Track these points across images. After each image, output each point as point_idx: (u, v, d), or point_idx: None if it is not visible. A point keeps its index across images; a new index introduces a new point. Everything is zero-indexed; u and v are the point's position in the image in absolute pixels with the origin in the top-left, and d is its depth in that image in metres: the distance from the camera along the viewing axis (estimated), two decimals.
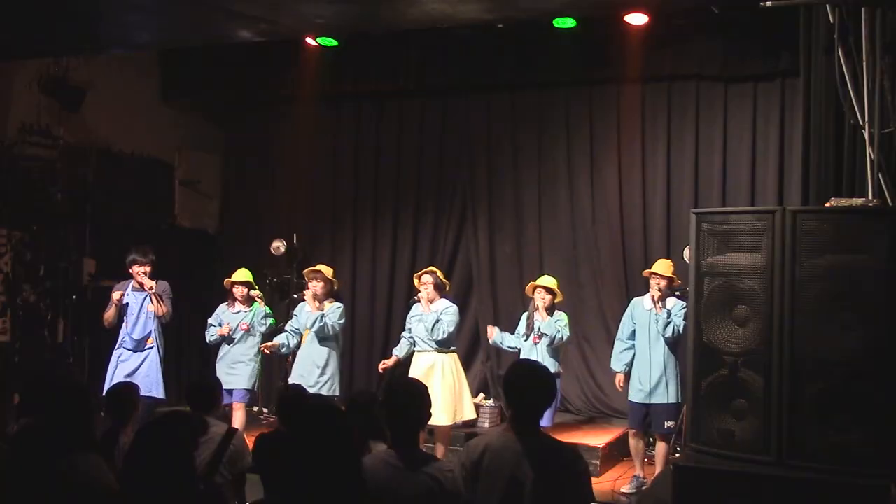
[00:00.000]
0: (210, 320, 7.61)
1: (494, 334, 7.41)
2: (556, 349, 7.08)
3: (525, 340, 7.13)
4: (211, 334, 7.55)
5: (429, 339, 7.13)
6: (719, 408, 4.50)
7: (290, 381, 7.33)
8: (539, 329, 7.02)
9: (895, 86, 5.29)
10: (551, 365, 6.86)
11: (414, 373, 7.09)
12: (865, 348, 4.13)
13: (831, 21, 5.58)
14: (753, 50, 7.72)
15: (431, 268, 7.47)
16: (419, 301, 7.24)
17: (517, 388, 3.65)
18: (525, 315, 7.28)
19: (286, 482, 2.60)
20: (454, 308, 7.27)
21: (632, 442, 6.93)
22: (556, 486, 3.53)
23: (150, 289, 7.09)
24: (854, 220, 4.30)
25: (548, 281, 7.22)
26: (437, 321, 7.07)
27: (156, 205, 9.59)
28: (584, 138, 8.89)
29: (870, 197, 5.11)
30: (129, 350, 7.10)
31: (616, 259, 8.65)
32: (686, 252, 6.04)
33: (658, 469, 6.70)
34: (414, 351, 7.30)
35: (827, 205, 4.70)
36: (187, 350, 9.24)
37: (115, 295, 7.14)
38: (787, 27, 6.50)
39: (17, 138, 8.07)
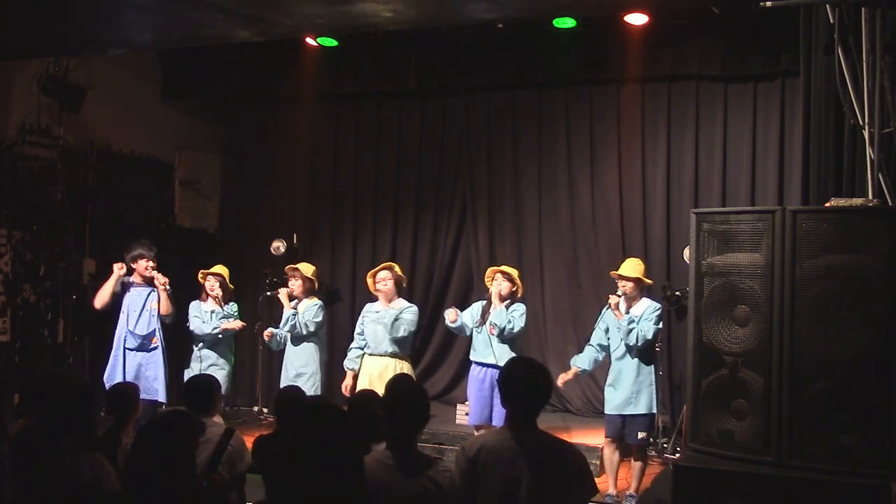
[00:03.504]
0: (192, 317, 7.36)
1: (458, 318, 6.83)
2: (511, 340, 6.62)
3: (479, 329, 6.68)
4: (214, 327, 7.27)
5: (386, 338, 6.75)
6: (719, 408, 4.50)
7: (281, 382, 7.31)
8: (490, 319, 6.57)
9: (895, 86, 5.29)
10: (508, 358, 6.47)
11: (363, 377, 6.84)
12: (865, 348, 4.13)
13: (831, 21, 5.58)
14: (753, 50, 7.73)
15: (389, 263, 7.19)
16: (379, 293, 6.87)
17: (513, 385, 3.63)
18: (482, 302, 6.88)
19: (287, 483, 2.59)
20: (415, 309, 6.96)
21: (606, 452, 6.57)
22: (554, 484, 3.53)
23: (165, 284, 7.02)
24: (854, 220, 4.30)
25: (508, 268, 6.84)
26: (398, 318, 6.70)
27: (156, 205, 9.59)
28: (584, 138, 8.89)
29: (870, 197, 5.10)
30: (132, 349, 7.00)
31: (616, 259, 8.60)
32: (686, 252, 6.04)
33: (633, 485, 6.43)
34: (364, 354, 6.96)
35: (827, 205, 4.70)
36: (187, 350, 9.23)
37: (118, 266, 6.99)
38: (787, 27, 6.50)
39: (17, 138, 8.07)
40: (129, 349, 7.01)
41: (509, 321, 6.56)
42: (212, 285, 7.35)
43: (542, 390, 3.67)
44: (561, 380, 6.62)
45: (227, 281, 7.47)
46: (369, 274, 7.17)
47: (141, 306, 7.06)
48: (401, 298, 6.97)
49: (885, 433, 4.07)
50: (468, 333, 6.95)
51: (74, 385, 4.89)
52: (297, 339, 7.21)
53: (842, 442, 4.14)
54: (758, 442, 4.34)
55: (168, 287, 7.08)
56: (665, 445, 7.69)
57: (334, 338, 9.11)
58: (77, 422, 3.86)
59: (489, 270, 6.91)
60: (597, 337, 6.64)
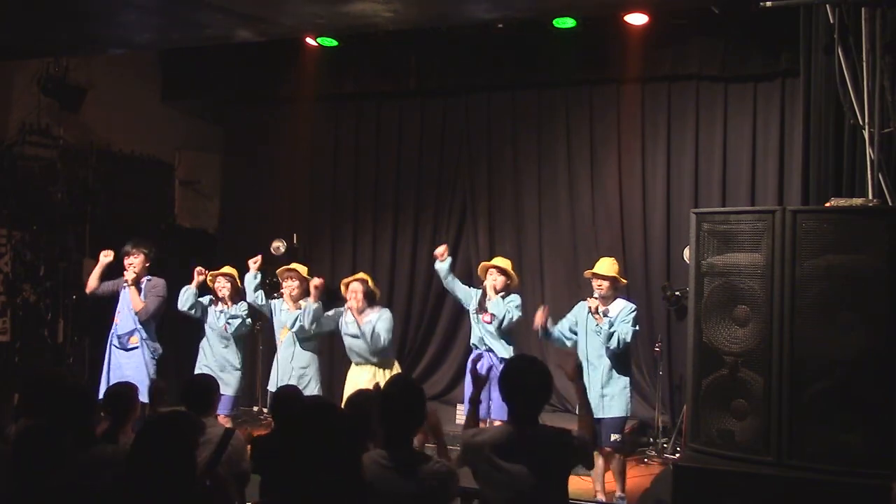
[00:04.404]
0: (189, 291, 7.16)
1: (549, 322, 6.39)
2: (507, 331, 6.59)
3: (476, 315, 6.66)
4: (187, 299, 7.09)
5: (367, 353, 6.74)
6: (719, 408, 4.51)
7: (270, 382, 7.25)
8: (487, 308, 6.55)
9: (895, 86, 5.29)
10: (502, 349, 6.53)
11: (349, 387, 6.73)
12: (865, 348, 4.13)
13: (831, 21, 5.58)
14: (753, 50, 7.73)
15: (362, 274, 7.07)
16: (349, 310, 6.81)
17: (514, 382, 3.67)
18: (480, 291, 6.78)
19: (284, 483, 2.59)
20: (387, 314, 6.88)
21: None
22: (555, 473, 3.60)
23: (126, 281, 6.88)
24: (854, 220, 4.31)
25: (501, 261, 6.75)
26: (374, 331, 6.66)
27: (156, 205, 9.59)
28: (584, 138, 8.89)
29: (870, 197, 5.11)
30: (116, 347, 6.92)
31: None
32: (686, 252, 6.03)
33: (619, 486, 6.24)
34: (351, 363, 6.92)
35: (827, 205, 4.70)
36: (187, 351, 9.22)
37: (103, 254, 6.95)
38: (787, 27, 6.50)
39: (17, 138, 8.08)
40: (114, 346, 6.95)
41: (507, 311, 6.52)
42: (222, 285, 7.24)
43: (544, 387, 3.72)
44: (538, 318, 6.34)
45: (237, 281, 7.39)
46: (342, 282, 7.07)
47: (126, 305, 6.96)
48: (371, 308, 6.86)
49: (885, 433, 4.07)
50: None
51: (74, 385, 4.89)
52: (303, 341, 7.18)
53: (842, 442, 4.14)
54: (758, 442, 4.34)
55: (145, 286, 6.90)
56: (665, 445, 7.69)
57: (335, 338, 9.09)
58: (77, 421, 3.86)
59: (482, 266, 6.86)
60: (563, 326, 6.41)
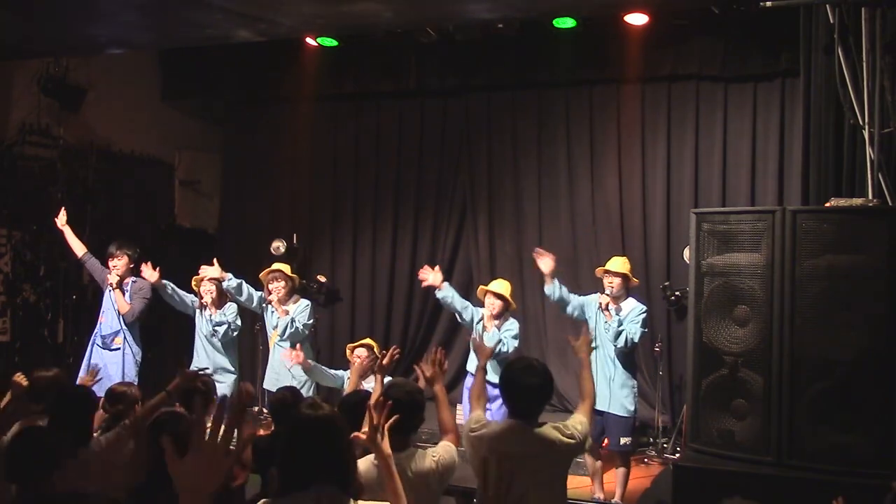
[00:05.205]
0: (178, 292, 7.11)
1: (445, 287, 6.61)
2: (501, 360, 6.20)
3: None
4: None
5: None
6: (719, 408, 4.51)
7: (265, 385, 7.17)
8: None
9: (895, 86, 5.29)
10: (492, 374, 5.82)
11: None
12: (865, 348, 4.13)
13: (831, 21, 5.58)
14: (753, 50, 7.73)
15: (368, 340, 6.66)
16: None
17: (515, 383, 3.69)
18: (482, 314, 6.58)
19: (284, 483, 2.60)
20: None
21: (588, 460, 6.18)
22: (554, 471, 3.68)
23: (110, 284, 6.90)
24: (854, 220, 4.31)
25: (499, 286, 6.58)
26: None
27: (156, 205, 9.59)
28: (584, 138, 8.89)
29: (870, 197, 5.11)
30: (99, 346, 6.91)
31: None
32: (686, 252, 6.03)
33: (618, 492, 6.17)
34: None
35: (827, 205, 4.71)
36: (185, 352, 9.21)
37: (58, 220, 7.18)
38: (787, 27, 6.51)
39: (17, 138, 8.07)
40: (97, 345, 6.94)
41: (502, 342, 6.33)
42: (207, 289, 7.07)
43: (544, 388, 3.73)
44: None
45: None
46: (348, 346, 6.75)
47: (112, 305, 6.96)
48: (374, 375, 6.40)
49: (885, 433, 4.08)
50: (458, 307, 6.71)
51: (74, 385, 4.89)
52: (294, 345, 7.12)
53: (842, 442, 4.15)
54: (758, 442, 4.35)
55: (116, 285, 6.90)
56: (665, 445, 7.69)
57: (335, 338, 9.12)
58: (77, 421, 3.86)
59: (480, 290, 6.73)
60: (577, 300, 6.44)
